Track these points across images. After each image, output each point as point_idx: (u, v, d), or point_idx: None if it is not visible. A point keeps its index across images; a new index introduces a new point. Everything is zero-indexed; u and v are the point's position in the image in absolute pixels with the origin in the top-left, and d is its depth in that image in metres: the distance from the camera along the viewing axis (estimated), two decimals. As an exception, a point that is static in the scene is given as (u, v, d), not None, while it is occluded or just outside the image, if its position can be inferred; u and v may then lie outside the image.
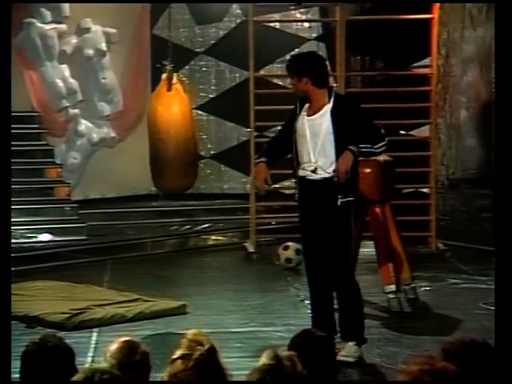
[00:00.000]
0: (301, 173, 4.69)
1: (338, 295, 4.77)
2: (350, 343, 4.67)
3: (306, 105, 4.70)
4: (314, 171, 4.63)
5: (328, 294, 4.75)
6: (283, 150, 4.81)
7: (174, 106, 8.55)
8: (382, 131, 4.78)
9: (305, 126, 4.64)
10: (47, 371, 2.54)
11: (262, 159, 4.81)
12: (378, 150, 4.72)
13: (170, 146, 8.51)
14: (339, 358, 4.51)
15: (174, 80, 8.54)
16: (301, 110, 4.71)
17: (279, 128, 4.97)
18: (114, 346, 2.66)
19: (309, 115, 4.67)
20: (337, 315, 4.76)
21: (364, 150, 4.63)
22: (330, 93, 4.67)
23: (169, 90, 8.51)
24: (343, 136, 4.60)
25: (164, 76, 8.54)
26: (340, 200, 4.60)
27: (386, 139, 4.73)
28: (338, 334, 4.70)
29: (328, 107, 4.63)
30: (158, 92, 8.58)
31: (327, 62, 5.01)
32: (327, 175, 4.61)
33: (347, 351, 4.64)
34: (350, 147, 4.58)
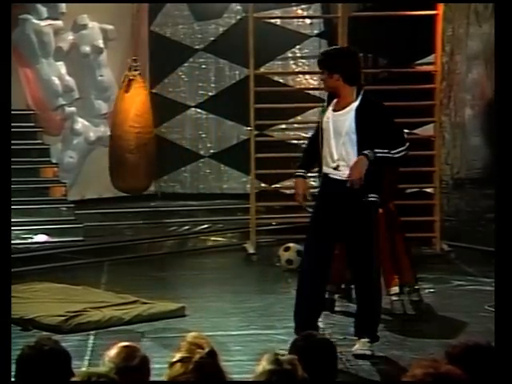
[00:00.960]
0: (324, 169, 4.74)
1: (358, 292, 4.84)
2: (363, 339, 4.74)
3: (335, 100, 4.74)
4: (335, 168, 4.67)
5: (319, 294, 4.80)
6: (318, 153, 4.83)
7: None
8: (405, 136, 4.82)
9: (329, 121, 4.69)
10: (43, 375, 2.54)
11: (300, 172, 4.89)
12: (395, 156, 4.69)
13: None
14: (355, 351, 4.57)
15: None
16: (328, 105, 4.76)
17: (313, 132, 5.01)
18: (112, 351, 2.66)
19: (335, 110, 4.72)
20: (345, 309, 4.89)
21: (380, 155, 4.64)
22: (358, 91, 4.69)
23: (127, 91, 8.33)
24: (365, 136, 4.62)
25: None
26: (364, 199, 4.64)
27: (407, 144, 4.73)
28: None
29: (354, 105, 4.66)
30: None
31: (361, 58, 5.16)
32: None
33: (362, 345, 4.73)
34: (365, 152, 4.60)
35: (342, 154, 4.65)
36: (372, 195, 4.67)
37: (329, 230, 4.73)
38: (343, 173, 4.65)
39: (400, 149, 4.69)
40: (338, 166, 4.66)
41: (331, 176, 4.71)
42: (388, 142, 4.65)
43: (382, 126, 4.64)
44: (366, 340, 4.75)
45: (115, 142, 8.10)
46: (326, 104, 4.80)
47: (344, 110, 4.67)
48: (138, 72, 8.14)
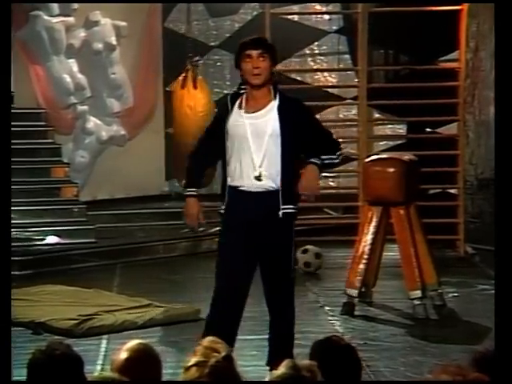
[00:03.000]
0: (236, 182, 4.19)
1: (273, 322, 4.36)
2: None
3: (239, 100, 4.22)
4: (257, 178, 4.15)
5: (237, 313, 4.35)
6: (211, 162, 4.41)
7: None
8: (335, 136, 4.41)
9: (242, 124, 4.16)
10: (54, 380, 2.54)
11: (191, 191, 4.34)
12: (337, 161, 4.24)
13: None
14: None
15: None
16: (232, 107, 4.22)
17: (200, 138, 4.43)
18: (123, 352, 2.65)
19: (247, 112, 4.19)
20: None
21: (328, 161, 4.18)
22: (275, 88, 4.22)
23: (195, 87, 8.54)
24: (291, 138, 4.15)
25: (190, 72, 8.53)
26: (282, 211, 4.15)
27: (341, 146, 4.33)
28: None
29: (274, 104, 4.17)
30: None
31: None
32: (273, 186, 4.15)
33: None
34: (313, 160, 4.15)
35: (263, 160, 4.14)
36: (289, 206, 4.19)
37: (246, 255, 4.21)
38: (264, 183, 4.15)
39: (340, 152, 4.26)
40: (260, 175, 4.14)
41: (245, 189, 4.16)
42: (328, 145, 4.23)
43: (314, 130, 4.21)
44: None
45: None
46: (229, 105, 4.22)
47: (263, 111, 4.16)
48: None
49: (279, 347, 4.35)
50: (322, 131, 4.31)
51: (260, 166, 4.17)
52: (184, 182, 4.47)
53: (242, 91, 4.28)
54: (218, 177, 4.51)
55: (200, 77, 8.57)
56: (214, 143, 4.29)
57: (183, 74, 8.66)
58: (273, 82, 4.25)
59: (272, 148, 4.19)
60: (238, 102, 4.25)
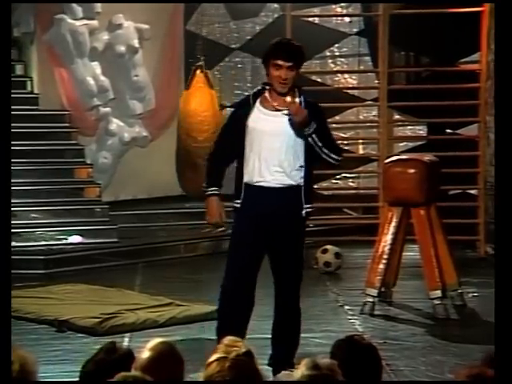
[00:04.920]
0: (255, 179, 4.23)
1: (278, 320, 4.41)
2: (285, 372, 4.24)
3: (261, 98, 4.26)
4: (274, 174, 4.19)
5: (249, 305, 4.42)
6: (231, 161, 4.36)
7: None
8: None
9: (266, 121, 4.22)
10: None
11: (213, 190, 4.36)
12: (329, 158, 4.26)
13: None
14: None
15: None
16: (254, 104, 4.26)
17: (218, 137, 4.47)
18: (146, 351, 2.65)
19: (271, 110, 4.24)
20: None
21: (316, 139, 4.19)
22: (299, 90, 4.31)
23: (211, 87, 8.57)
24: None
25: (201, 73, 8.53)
26: (305, 210, 4.23)
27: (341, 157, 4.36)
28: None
29: (300, 102, 4.24)
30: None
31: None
32: (291, 183, 4.20)
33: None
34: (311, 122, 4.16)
35: (282, 157, 4.20)
36: (308, 206, 4.25)
37: (257, 249, 4.26)
38: (282, 179, 4.20)
39: (336, 156, 4.29)
40: (277, 171, 4.19)
41: (263, 185, 4.20)
42: (331, 147, 4.30)
43: (323, 130, 4.29)
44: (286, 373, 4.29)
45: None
46: (251, 101, 4.26)
47: (286, 110, 4.21)
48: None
49: (282, 347, 4.34)
50: (330, 135, 4.39)
51: (278, 163, 4.19)
52: (205, 182, 4.47)
53: (266, 90, 4.31)
54: (229, 175, 4.48)
55: (202, 78, 8.49)
56: (232, 142, 4.31)
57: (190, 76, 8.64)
58: (296, 85, 4.30)
59: (292, 146, 4.21)
60: (259, 100, 4.27)
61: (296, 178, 4.22)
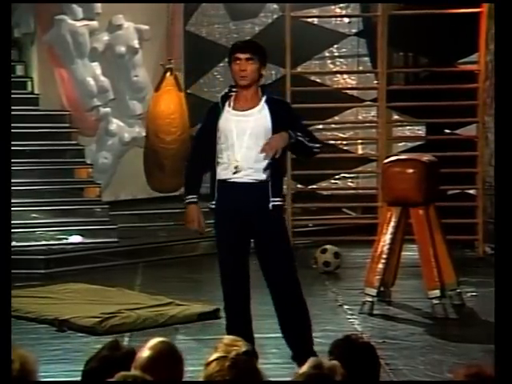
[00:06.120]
0: (223, 176, 4.37)
1: (282, 313, 4.48)
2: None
3: (229, 100, 4.39)
4: (236, 170, 4.34)
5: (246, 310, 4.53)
6: (208, 167, 4.47)
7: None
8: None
9: (232, 121, 4.35)
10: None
11: (191, 198, 4.46)
12: (314, 149, 4.41)
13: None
14: None
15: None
16: (223, 106, 4.40)
17: (193, 145, 4.67)
18: (146, 350, 2.64)
19: (237, 110, 4.37)
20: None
21: (301, 139, 4.33)
22: (262, 89, 4.43)
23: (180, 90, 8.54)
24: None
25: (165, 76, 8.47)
26: (271, 204, 4.35)
27: (320, 146, 4.49)
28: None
29: (262, 103, 4.37)
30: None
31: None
32: (258, 179, 4.34)
33: None
34: (289, 131, 4.32)
35: (245, 154, 4.33)
36: (276, 199, 4.38)
37: (241, 245, 4.39)
38: (247, 175, 4.35)
39: (318, 145, 4.45)
40: (237, 167, 4.34)
41: (234, 181, 4.36)
42: (309, 136, 4.43)
43: (295, 123, 4.40)
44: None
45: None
46: (220, 104, 4.40)
47: (251, 110, 4.35)
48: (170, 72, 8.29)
49: (298, 340, 4.43)
50: (304, 128, 4.52)
51: (240, 160, 4.33)
52: (184, 189, 4.60)
53: (233, 92, 4.45)
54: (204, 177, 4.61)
55: (172, 80, 8.45)
56: (206, 147, 4.45)
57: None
58: (260, 84, 4.43)
59: (260, 144, 4.33)
60: (227, 102, 4.42)
61: (265, 173, 4.36)
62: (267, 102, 4.38)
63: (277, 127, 4.35)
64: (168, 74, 8.44)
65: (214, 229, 4.53)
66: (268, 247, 4.42)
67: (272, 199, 4.37)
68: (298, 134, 4.36)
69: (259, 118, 4.37)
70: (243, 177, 4.37)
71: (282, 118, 4.37)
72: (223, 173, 4.40)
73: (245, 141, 4.34)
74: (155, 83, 8.83)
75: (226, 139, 4.38)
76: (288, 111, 4.47)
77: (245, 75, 4.34)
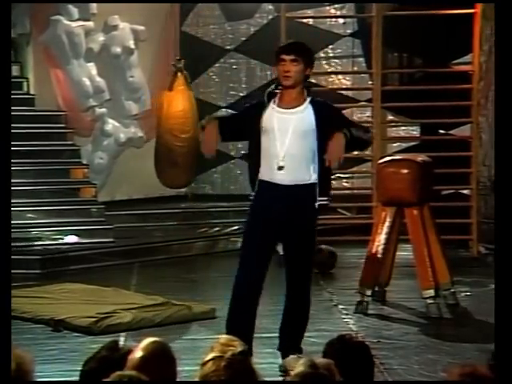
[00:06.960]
0: (267, 175, 4.41)
1: (288, 307, 4.56)
2: (293, 356, 4.29)
3: (274, 98, 4.45)
4: (280, 168, 4.36)
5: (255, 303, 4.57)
6: (237, 134, 4.59)
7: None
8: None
9: (276, 118, 4.40)
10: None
11: (214, 120, 4.51)
12: (369, 140, 4.52)
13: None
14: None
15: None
16: (268, 103, 4.45)
17: (231, 115, 4.84)
18: (139, 350, 2.64)
19: (280, 107, 4.43)
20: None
21: (356, 133, 4.35)
22: (307, 90, 4.50)
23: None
24: (324, 136, 4.35)
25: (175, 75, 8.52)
26: (318, 203, 4.40)
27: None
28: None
29: (307, 104, 4.42)
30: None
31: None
32: (304, 178, 4.38)
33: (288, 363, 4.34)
34: (343, 130, 4.32)
35: (287, 153, 4.36)
36: (323, 198, 4.43)
37: (267, 244, 4.47)
38: (287, 175, 4.37)
39: (370, 133, 4.58)
40: (282, 167, 4.36)
41: (275, 182, 4.38)
42: (359, 129, 4.48)
43: (341, 120, 4.47)
44: (294, 356, 4.25)
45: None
46: (265, 101, 4.45)
47: (295, 109, 4.40)
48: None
49: (291, 333, 4.51)
50: (351, 122, 4.62)
51: (283, 159, 4.36)
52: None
53: (278, 90, 4.51)
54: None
55: (183, 80, 8.48)
56: (237, 127, 4.54)
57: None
58: (306, 85, 4.50)
59: (300, 143, 4.37)
60: (273, 99, 4.48)
61: (310, 173, 4.42)
62: (312, 102, 4.44)
63: (322, 128, 4.38)
64: (179, 73, 8.46)
65: (246, 218, 4.59)
66: (297, 245, 4.46)
67: (319, 198, 4.41)
68: (351, 129, 4.38)
69: (302, 116, 4.40)
70: (286, 178, 4.38)
71: (326, 119, 4.40)
72: (266, 173, 4.41)
73: (288, 138, 4.37)
74: (151, 83, 8.83)
75: (267, 137, 4.39)
76: (333, 111, 4.52)
77: (289, 75, 4.40)
